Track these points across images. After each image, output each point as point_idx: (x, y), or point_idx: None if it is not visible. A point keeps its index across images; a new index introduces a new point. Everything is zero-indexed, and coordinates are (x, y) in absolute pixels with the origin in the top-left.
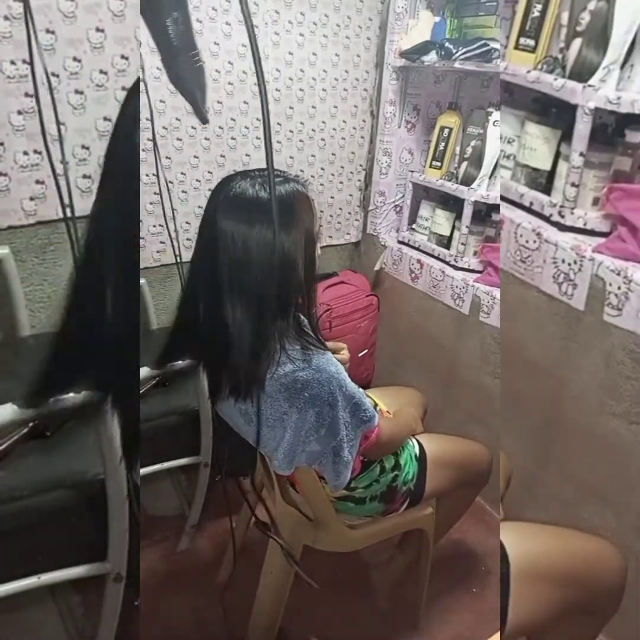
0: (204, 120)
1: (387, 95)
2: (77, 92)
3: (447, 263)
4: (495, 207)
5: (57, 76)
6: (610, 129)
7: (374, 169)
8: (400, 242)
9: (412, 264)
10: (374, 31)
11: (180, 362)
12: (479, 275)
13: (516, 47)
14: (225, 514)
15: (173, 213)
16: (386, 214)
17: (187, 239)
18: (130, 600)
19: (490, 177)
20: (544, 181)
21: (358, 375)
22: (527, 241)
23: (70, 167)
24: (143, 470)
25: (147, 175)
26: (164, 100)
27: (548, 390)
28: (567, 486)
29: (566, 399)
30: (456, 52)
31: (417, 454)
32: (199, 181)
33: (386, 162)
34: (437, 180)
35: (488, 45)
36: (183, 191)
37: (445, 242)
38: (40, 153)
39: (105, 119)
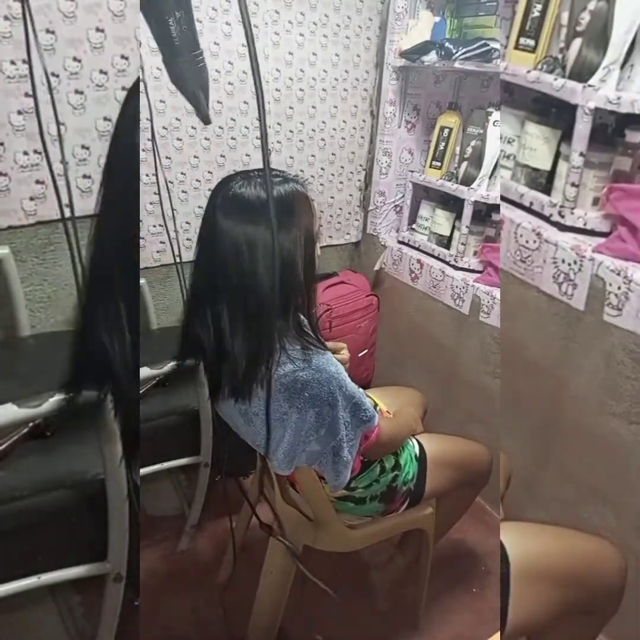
0: (206, 121)
1: (387, 95)
2: (77, 92)
3: (447, 263)
4: (495, 207)
5: (57, 76)
6: (610, 129)
7: (374, 169)
8: (400, 242)
9: (412, 264)
10: (374, 31)
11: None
12: (479, 275)
13: (516, 47)
14: (225, 514)
15: (173, 213)
16: (386, 214)
17: (187, 239)
18: (130, 600)
19: (490, 177)
20: (544, 181)
21: (358, 375)
22: (527, 241)
23: (70, 167)
24: (143, 470)
25: (147, 175)
26: (164, 100)
27: (548, 390)
28: (567, 486)
29: (566, 399)
30: (456, 52)
31: (417, 454)
32: (199, 181)
33: (386, 162)
34: (437, 180)
35: (488, 45)
36: (183, 191)
37: (445, 242)
38: (40, 153)
39: (105, 119)
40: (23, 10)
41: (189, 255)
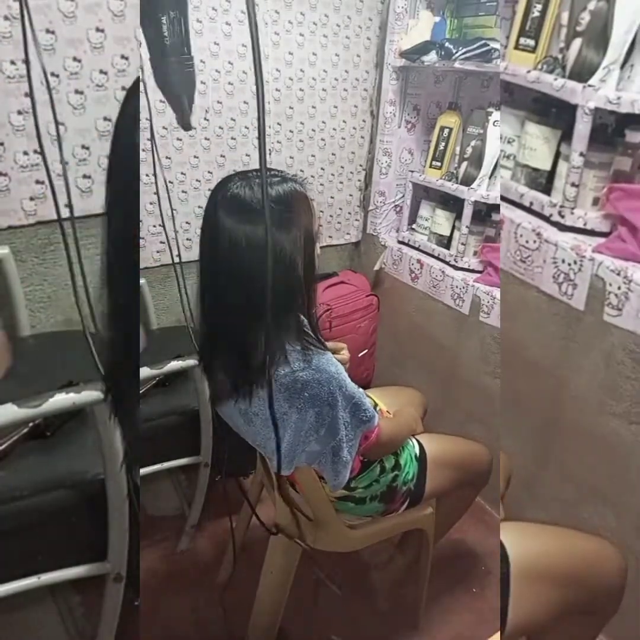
0: (187, 127)
1: (387, 95)
2: (77, 92)
3: (447, 263)
4: (495, 207)
5: (57, 76)
6: (610, 129)
7: (374, 169)
8: (400, 242)
9: (412, 264)
10: (374, 31)
11: (179, 362)
12: (479, 275)
13: (516, 47)
14: (225, 514)
15: (172, 213)
16: (386, 214)
17: (187, 239)
18: (130, 600)
19: (490, 177)
20: (544, 181)
21: (358, 375)
22: (527, 241)
23: (70, 167)
24: (143, 470)
25: (147, 175)
26: (164, 100)
27: (548, 390)
28: (567, 486)
29: (566, 399)
30: (456, 52)
31: (417, 454)
32: (199, 181)
33: (386, 162)
34: (437, 180)
35: (488, 45)
36: (183, 191)
37: (445, 242)
38: (40, 153)
39: (105, 119)
40: (21, 10)
41: (188, 255)
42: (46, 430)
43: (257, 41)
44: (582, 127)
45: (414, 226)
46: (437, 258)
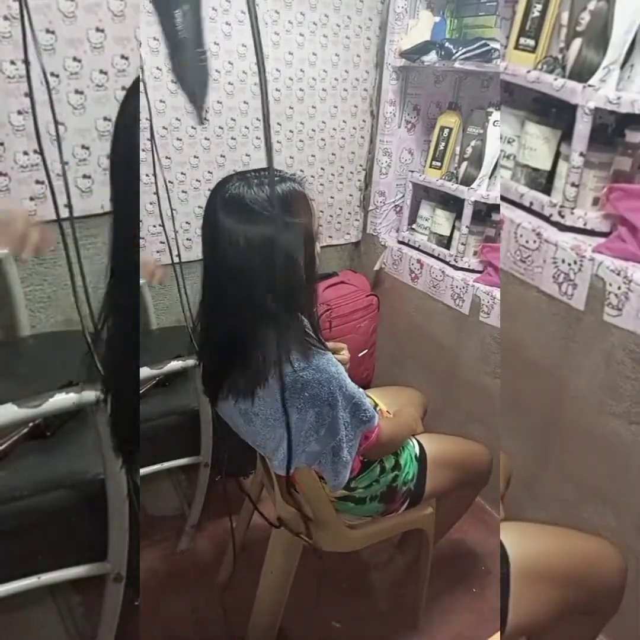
0: (200, 121)
1: (387, 95)
2: (77, 92)
3: (447, 263)
4: (495, 207)
5: (57, 76)
6: (610, 129)
7: (374, 169)
8: (400, 242)
9: (412, 264)
10: (374, 31)
11: (179, 362)
12: (479, 275)
13: (516, 47)
14: (225, 514)
15: (172, 213)
16: (386, 214)
17: (187, 239)
18: (130, 600)
19: (490, 177)
20: (544, 181)
21: (358, 375)
22: (527, 241)
23: (70, 167)
24: (143, 470)
25: (147, 175)
26: (164, 100)
27: (548, 390)
28: (567, 486)
29: (566, 399)
30: (456, 52)
31: (417, 454)
32: (199, 181)
33: (386, 162)
34: (437, 180)
35: (488, 45)
36: (183, 191)
37: (445, 242)
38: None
39: (105, 119)
40: (21, 10)
41: (188, 255)
42: (46, 430)
43: (259, 39)
44: (582, 127)
45: (414, 226)
46: (437, 258)
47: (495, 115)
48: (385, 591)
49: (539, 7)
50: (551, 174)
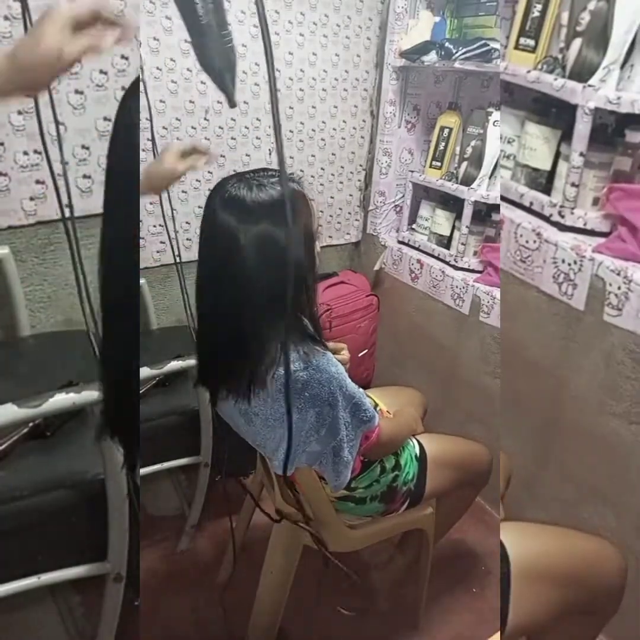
0: (232, 104)
1: (387, 95)
2: (77, 92)
3: (447, 263)
4: (495, 207)
5: None
6: (610, 129)
7: (374, 169)
8: (400, 242)
9: (412, 264)
10: (374, 31)
11: (179, 362)
12: (479, 275)
13: (516, 47)
14: (225, 514)
15: (172, 213)
16: (386, 214)
17: (187, 239)
18: (130, 600)
19: (490, 177)
20: (544, 181)
21: (358, 375)
22: (527, 241)
23: (70, 167)
24: (143, 470)
25: None
26: (164, 100)
27: (548, 390)
28: (567, 486)
29: (566, 399)
30: (456, 52)
31: (418, 454)
32: (199, 181)
33: (386, 162)
34: (437, 180)
35: (488, 45)
36: (183, 191)
37: (445, 242)
38: (40, 153)
39: (105, 119)
40: (23, 10)
41: (189, 255)
42: (46, 430)
43: (271, 59)
44: (582, 127)
45: (414, 226)
46: (437, 258)
47: (495, 115)
48: (385, 591)
49: (539, 7)
50: (551, 174)
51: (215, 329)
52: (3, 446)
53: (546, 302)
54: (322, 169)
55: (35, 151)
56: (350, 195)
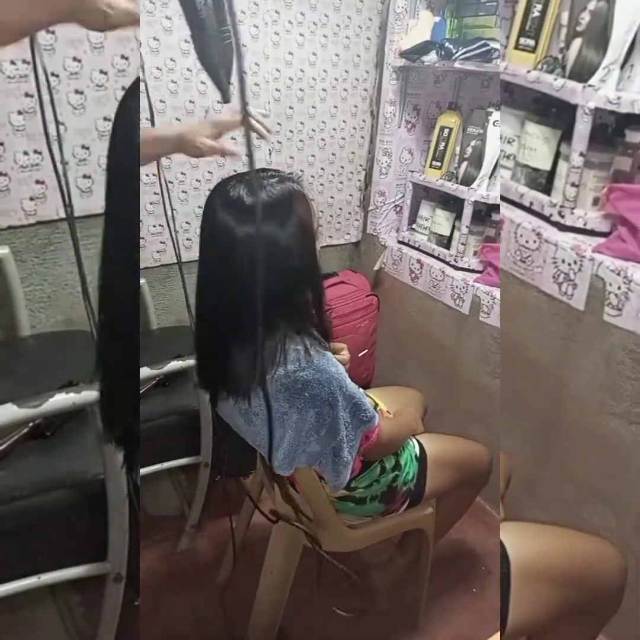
0: (226, 100)
1: (387, 95)
2: (77, 92)
3: (447, 263)
4: (495, 207)
5: (57, 76)
6: (610, 129)
7: (374, 169)
8: (400, 242)
9: (412, 264)
10: (374, 31)
11: (179, 362)
12: (479, 275)
13: (516, 47)
14: (225, 514)
15: (173, 213)
16: (386, 214)
17: (187, 239)
18: (130, 600)
19: (490, 177)
20: (544, 181)
21: (358, 375)
22: (527, 241)
23: (70, 167)
24: (143, 470)
25: (147, 175)
26: (164, 100)
27: (548, 390)
28: (567, 486)
29: (566, 399)
30: (456, 52)
31: (418, 454)
32: (199, 181)
33: (386, 162)
34: (437, 180)
35: (488, 45)
36: (183, 191)
37: (445, 242)
38: (40, 153)
39: (105, 119)
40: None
41: (189, 255)
42: (46, 430)
43: None
44: (582, 127)
45: (414, 226)
46: (437, 258)
47: (495, 115)
48: (385, 591)
49: (539, 7)
50: (551, 174)
51: (215, 329)
52: (3, 446)
53: (546, 302)
54: (322, 169)
55: (35, 151)
56: (350, 195)
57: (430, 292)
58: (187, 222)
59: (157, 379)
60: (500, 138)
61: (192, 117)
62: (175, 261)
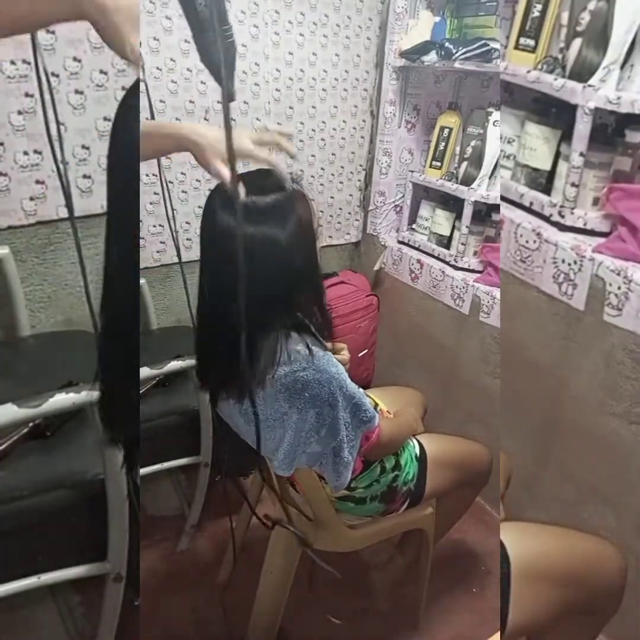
0: (230, 98)
1: (387, 95)
2: (77, 92)
3: (447, 263)
4: (495, 207)
5: (57, 76)
6: (610, 129)
7: (374, 169)
8: (400, 242)
9: (412, 264)
10: (374, 31)
11: (179, 362)
12: (479, 275)
13: (516, 47)
14: (225, 514)
15: (173, 213)
16: (386, 214)
17: (187, 239)
18: (130, 600)
19: (490, 177)
20: (544, 181)
21: (358, 375)
22: (527, 241)
23: (70, 167)
24: (143, 470)
25: (147, 175)
26: (164, 100)
27: (548, 390)
28: (567, 486)
29: (566, 399)
30: (456, 52)
31: (418, 454)
32: (199, 181)
33: (386, 162)
34: (437, 180)
35: (488, 45)
36: (183, 191)
37: (445, 242)
38: (40, 153)
39: (105, 119)
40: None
41: (189, 255)
42: (46, 430)
43: None
44: (582, 127)
45: (414, 226)
46: (437, 258)
47: (495, 115)
48: (385, 591)
49: (539, 7)
50: (551, 174)
51: (215, 329)
52: (3, 446)
53: (546, 302)
54: (322, 169)
55: (35, 151)
56: (350, 195)
57: (430, 292)
58: (187, 222)
59: (157, 379)
60: (500, 138)
61: (192, 117)
62: (175, 261)
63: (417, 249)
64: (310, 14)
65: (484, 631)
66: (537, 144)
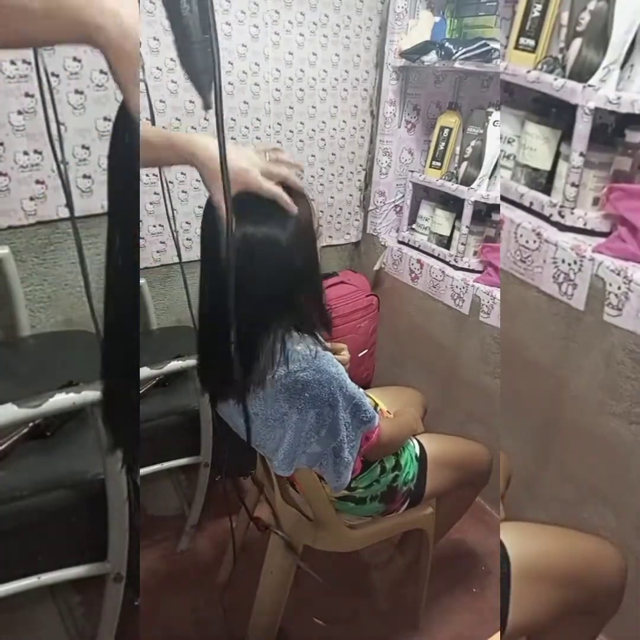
0: (206, 107)
1: (387, 95)
2: (77, 92)
3: (447, 263)
4: (495, 207)
5: (57, 76)
6: (610, 129)
7: (374, 169)
8: (400, 242)
9: (412, 264)
10: (374, 31)
11: (179, 362)
12: (479, 275)
13: (516, 47)
14: (225, 514)
15: (173, 213)
16: (386, 214)
17: (187, 239)
18: (130, 600)
19: (490, 177)
20: (544, 181)
21: (358, 375)
22: (527, 241)
23: (70, 167)
24: (143, 470)
25: (147, 175)
26: (164, 100)
27: (548, 390)
28: (567, 486)
29: (566, 399)
30: (456, 52)
31: (418, 454)
32: (199, 181)
33: (386, 162)
34: (437, 180)
35: (488, 45)
36: (183, 191)
37: (445, 242)
38: (40, 153)
39: (105, 119)
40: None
41: (189, 255)
42: (46, 430)
43: None
44: (582, 127)
45: (414, 226)
46: (437, 258)
47: (495, 115)
48: (385, 591)
49: (539, 7)
50: (551, 174)
51: (215, 329)
52: (3, 446)
53: (546, 302)
54: (322, 169)
55: (35, 151)
56: (350, 195)
57: (430, 292)
58: (187, 222)
59: (157, 379)
60: (500, 138)
61: (192, 117)
62: (176, 261)
63: (417, 249)
64: (310, 14)
65: (484, 631)
66: (537, 144)
